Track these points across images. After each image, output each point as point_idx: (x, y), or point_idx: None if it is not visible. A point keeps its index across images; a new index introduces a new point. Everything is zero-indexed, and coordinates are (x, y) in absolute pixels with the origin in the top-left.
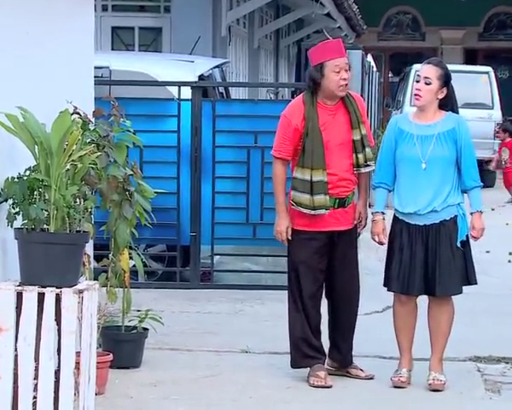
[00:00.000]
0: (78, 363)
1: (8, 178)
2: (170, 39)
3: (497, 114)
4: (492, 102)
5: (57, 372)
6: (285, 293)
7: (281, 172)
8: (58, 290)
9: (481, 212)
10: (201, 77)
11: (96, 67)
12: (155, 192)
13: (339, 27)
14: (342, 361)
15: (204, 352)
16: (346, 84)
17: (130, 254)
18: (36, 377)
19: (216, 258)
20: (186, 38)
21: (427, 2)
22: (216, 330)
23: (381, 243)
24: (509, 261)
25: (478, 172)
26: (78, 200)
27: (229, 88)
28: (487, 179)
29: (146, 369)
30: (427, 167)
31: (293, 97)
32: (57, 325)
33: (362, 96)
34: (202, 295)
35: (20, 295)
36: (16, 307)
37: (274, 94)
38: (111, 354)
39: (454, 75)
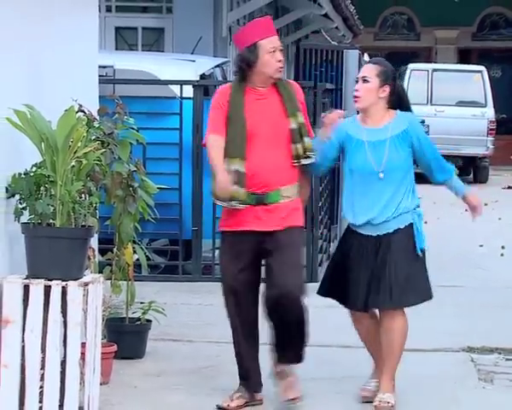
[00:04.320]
0: (83, 354)
1: (15, 174)
2: (172, 39)
3: (490, 111)
4: (485, 100)
5: (63, 363)
6: None
7: (213, 144)
8: (64, 283)
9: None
10: (203, 76)
11: (100, 66)
12: (158, 188)
13: (336, 27)
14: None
15: (205, 343)
16: (282, 67)
17: (133, 248)
18: (42, 368)
19: (217, 252)
20: (188, 38)
21: (422, 3)
22: (217, 321)
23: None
24: (502, 255)
25: (444, 160)
26: (83, 195)
27: None
28: (481, 175)
29: (149, 359)
30: (385, 176)
31: None
32: (63, 316)
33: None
34: (204, 287)
35: (27, 288)
36: (23, 300)
37: None
38: (115, 345)
39: (448, 74)
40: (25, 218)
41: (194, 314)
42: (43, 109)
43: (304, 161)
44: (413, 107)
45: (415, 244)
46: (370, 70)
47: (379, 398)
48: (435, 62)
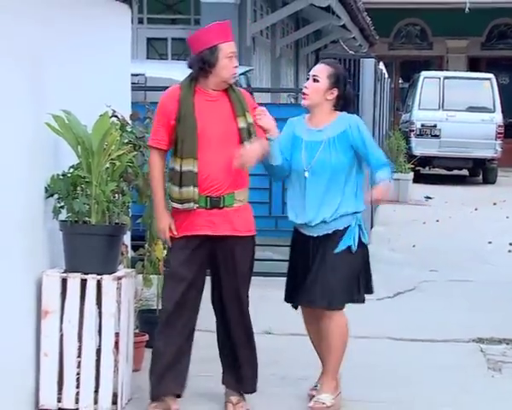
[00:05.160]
0: (117, 343)
1: (53, 175)
2: None
3: (498, 116)
4: (494, 106)
5: (98, 351)
6: None
7: (157, 163)
8: (99, 277)
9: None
10: None
11: (132, 75)
12: None
13: (353, 38)
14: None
15: None
16: (235, 73)
17: (163, 244)
18: (79, 355)
19: None
20: None
21: (434, 14)
22: None
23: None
24: (510, 251)
25: (383, 156)
26: (116, 195)
27: (254, 93)
28: (490, 176)
29: None
30: (312, 177)
31: None
32: (98, 308)
33: (374, 100)
34: None
35: (64, 282)
36: (61, 292)
37: (294, 98)
38: (147, 335)
39: (459, 81)
40: (62, 216)
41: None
42: (79, 114)
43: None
44: (426, 112)
45: (351, 245)
46: (321, 70)
47: (315, 398)
48: (447, 70)
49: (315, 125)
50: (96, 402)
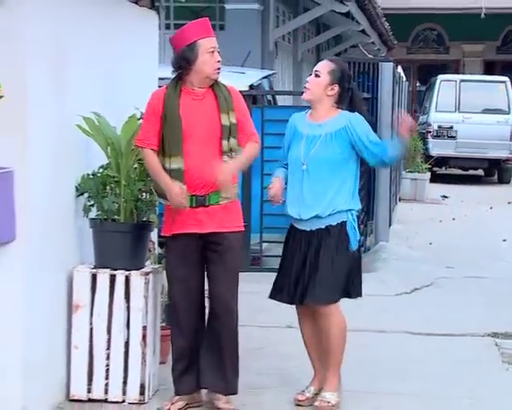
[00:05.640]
0: (144, 336)
1: (84, 175)
2: (224, 53)
3: None
4: (509, 108)
5: (126, 344)
6: None
7: (153, 161)
8: (127, 273)
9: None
10: (252, 86)
11: (159, 78)
12: None
13: (372, 42)
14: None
15: (254, 327)
16: (219, 68)
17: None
18: (108, 348)
19: (264, 245)
20: (238, 52)
21: (451, 19)
22: (264, 307)
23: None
24: None
25: (385, 145)
26: (144, 194)
27: (276, 96)
28: (504, 176)
29: None
30: (308, 170)
31: None
32: (126, 302)
33: (392, 103)
34: (252, 277)
35: (94, 277)
36: (91, 287)
37: None
38: None
39: (475, 84)
40: (92, 214)
41: (243, 301)
42: (108, 116)
43: (225, 158)
44: (443, 114)
45: (346, 242)
46: (324, 66)
47: (320, 397)
48: (463, 73)
49: (315, 119)
50: (124, 393)
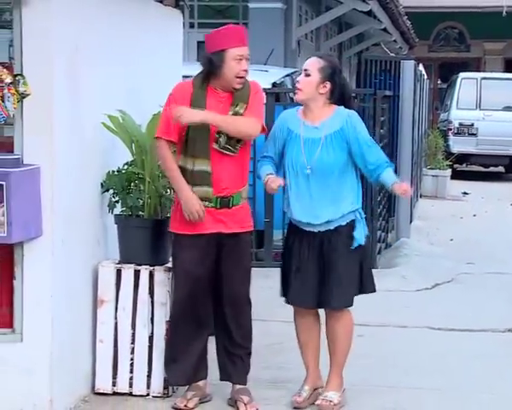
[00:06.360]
0: (167, 330)
1: (109, 172)
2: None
3: None
4: None
5: (151, 338)
6: None
7: (168, 154)
8: (151, 268)
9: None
10: (274, 84)
11: (183, 76)
12: None
13: (394, 40)
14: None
15: (275, 322)
16: (243, 77)
17: None
18: (133, 342)
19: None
20: (261, 50)
21: (472, 18)
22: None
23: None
24: None
25: (382, 154)
26: (168, 190)
27: None
28: None
29: None
30: (315, 175)
31: None
32: (150, 297)
33: (414, 100)
34: (274, 272)
35: (119, 272)
36: (116, 282)
37: None
38: None
39: (496, 82)
40: (117, 210)
41: (265, 296)
42: (133, 114)
43: (216, 146)
44: (464, 111)
45: (356, 239)
46: (313, 64)
47: (323, 396)
48: (484, 71)
49: (311, 121)
50: (148, 387)
